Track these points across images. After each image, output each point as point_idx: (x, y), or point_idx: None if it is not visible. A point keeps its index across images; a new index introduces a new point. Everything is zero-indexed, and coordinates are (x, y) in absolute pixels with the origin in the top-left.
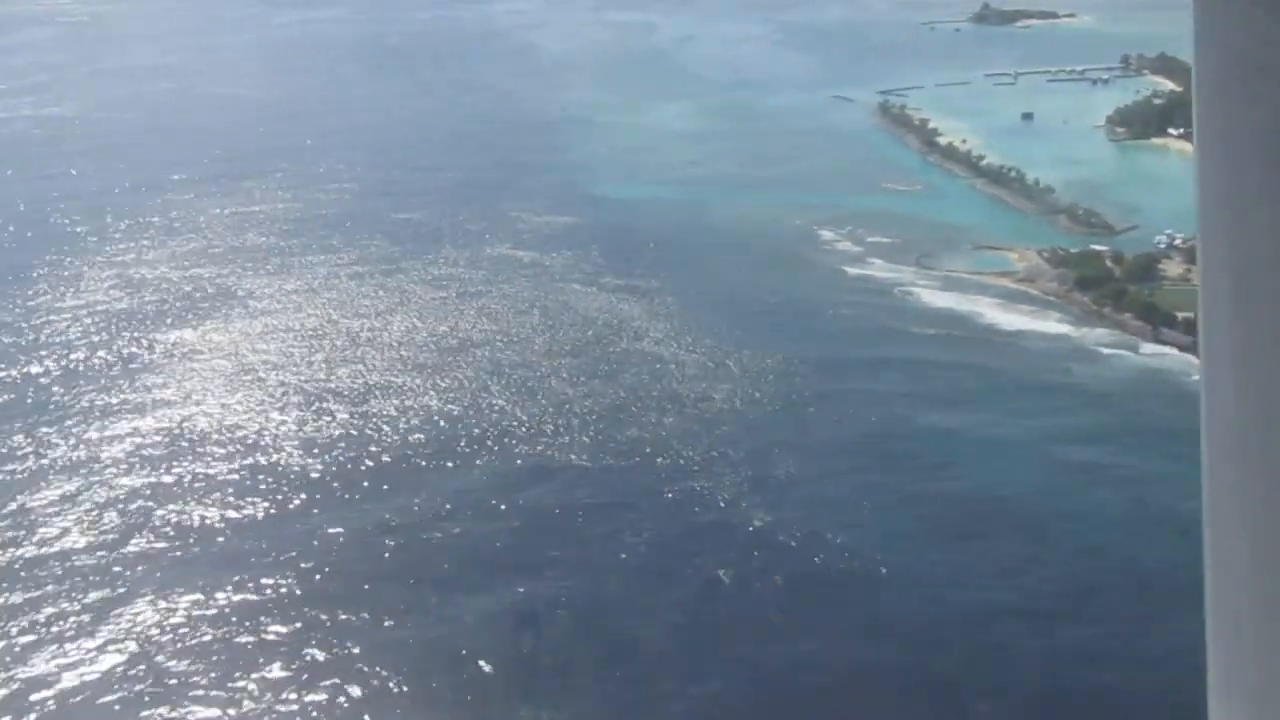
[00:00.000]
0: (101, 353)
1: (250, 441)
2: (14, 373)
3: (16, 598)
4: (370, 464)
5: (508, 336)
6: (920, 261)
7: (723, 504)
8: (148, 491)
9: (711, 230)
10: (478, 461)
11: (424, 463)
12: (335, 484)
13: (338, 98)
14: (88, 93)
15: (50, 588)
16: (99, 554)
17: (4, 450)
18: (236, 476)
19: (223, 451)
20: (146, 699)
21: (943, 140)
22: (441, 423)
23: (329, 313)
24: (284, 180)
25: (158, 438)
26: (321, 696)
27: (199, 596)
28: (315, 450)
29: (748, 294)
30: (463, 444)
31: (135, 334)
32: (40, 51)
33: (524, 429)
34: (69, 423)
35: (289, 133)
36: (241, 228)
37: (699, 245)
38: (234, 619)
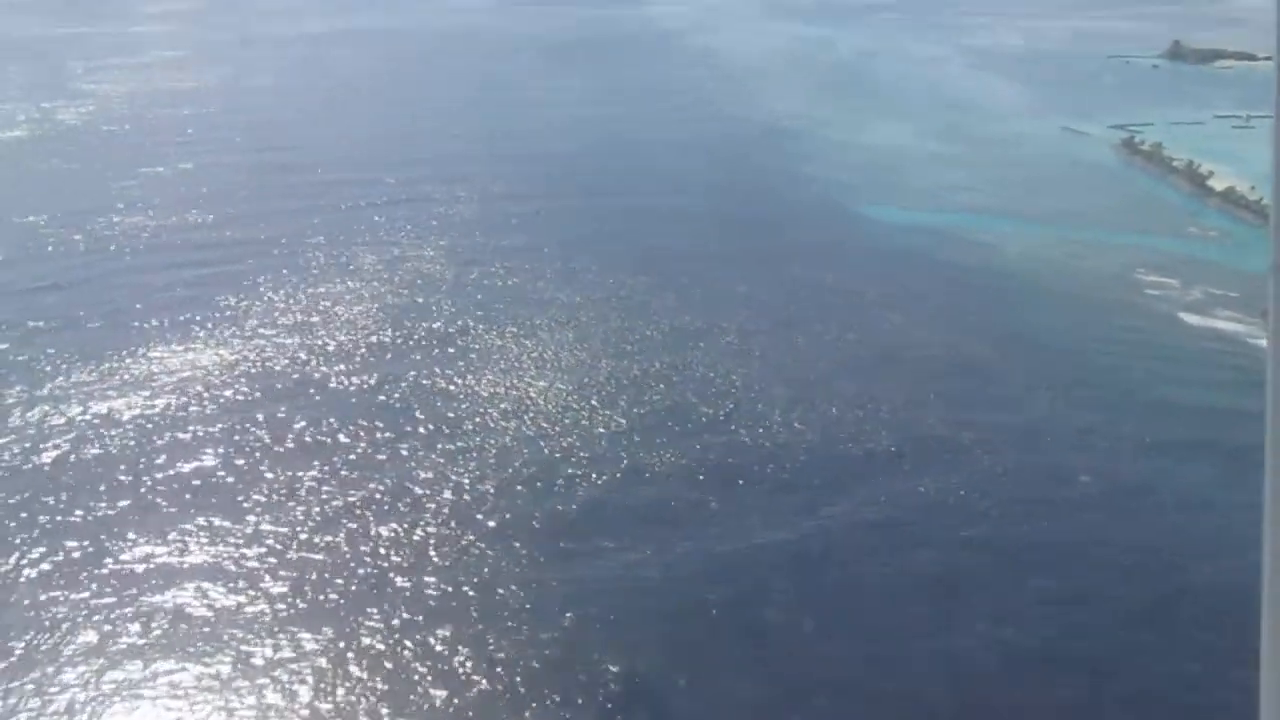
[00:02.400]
0: None
1: None
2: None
3: None
4: None
5: (865, 376)
6: (1266, 314)
7: None
8: None
9: (1014, 266)
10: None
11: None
12: None
13: (524, 98)
14: (235, 68)
15: None
16: None
17: None
18: None
19: None
20: None
21: (1216, 184)
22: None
23: (654, 360)
24: (505, 191)
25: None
26: None
27: None
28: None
29: (1092, 347)
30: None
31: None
32: (178, 23)
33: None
34: None
35: (480, 137)
36: (478, 248)
37: (1013, 284)
38: None
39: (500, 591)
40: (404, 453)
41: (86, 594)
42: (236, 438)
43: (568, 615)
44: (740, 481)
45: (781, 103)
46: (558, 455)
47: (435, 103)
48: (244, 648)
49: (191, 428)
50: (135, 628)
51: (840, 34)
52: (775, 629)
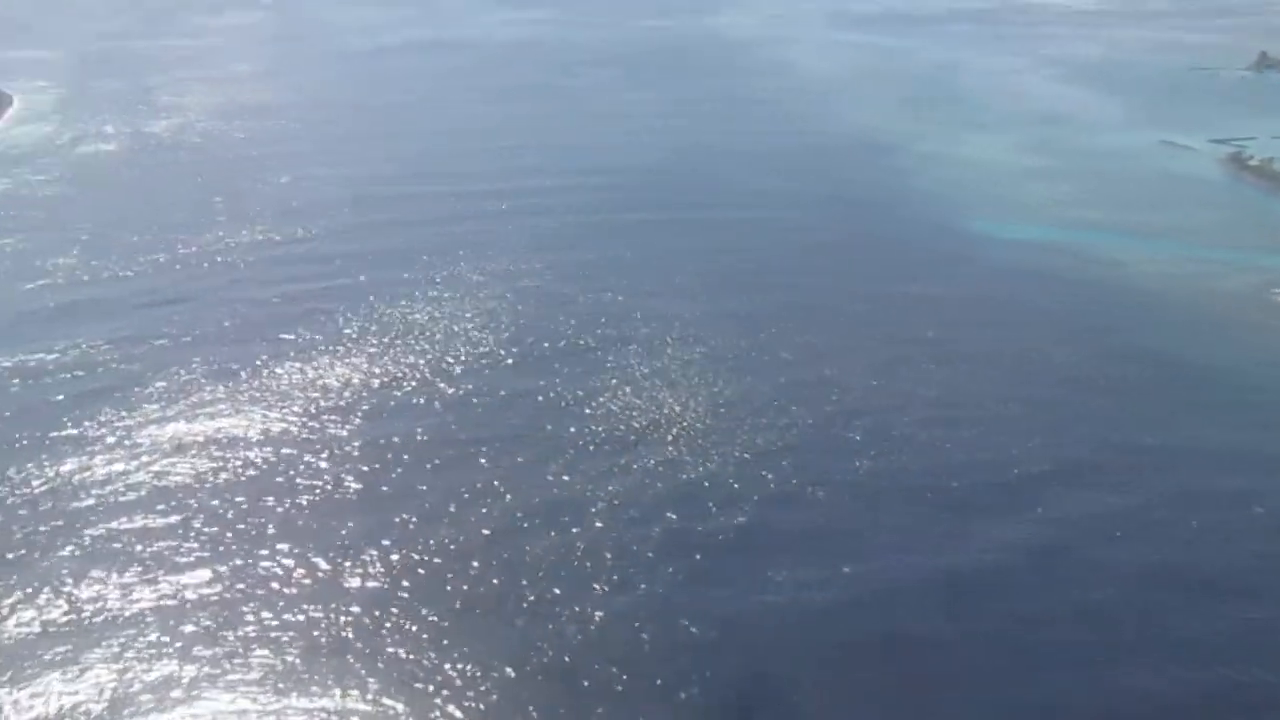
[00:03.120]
0: None
1: None
2: None
3: None
4: None
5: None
6: None
7: None
8: None
9: (1143, 284)
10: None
11: None
12: None
13: (604, 111)
14: (310, 81)
15: None
16: None
17: None
18: None
19: None
20: None
21: None
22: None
23: (784, 378)
24: (601, 203)
25: None
26: None
27: None
28: None
29: (1234, 367)
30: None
31: None
32: (247, 37)
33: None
34: None
35: (564, 150)
36: (584, 262)
37: (1145, 302)
38: None
39: (668, 620)
40: (542, 471)
41: (259, 614)
42: (374, 452)
43: (739, 646)
44: (892, 502)
45: (867, 116)
46: (703, 476)
47: (516, 117)
48: (419, 654)
49: (328, 443)
50: (299, 645)
51: (912, 45)
52: (943, 663)
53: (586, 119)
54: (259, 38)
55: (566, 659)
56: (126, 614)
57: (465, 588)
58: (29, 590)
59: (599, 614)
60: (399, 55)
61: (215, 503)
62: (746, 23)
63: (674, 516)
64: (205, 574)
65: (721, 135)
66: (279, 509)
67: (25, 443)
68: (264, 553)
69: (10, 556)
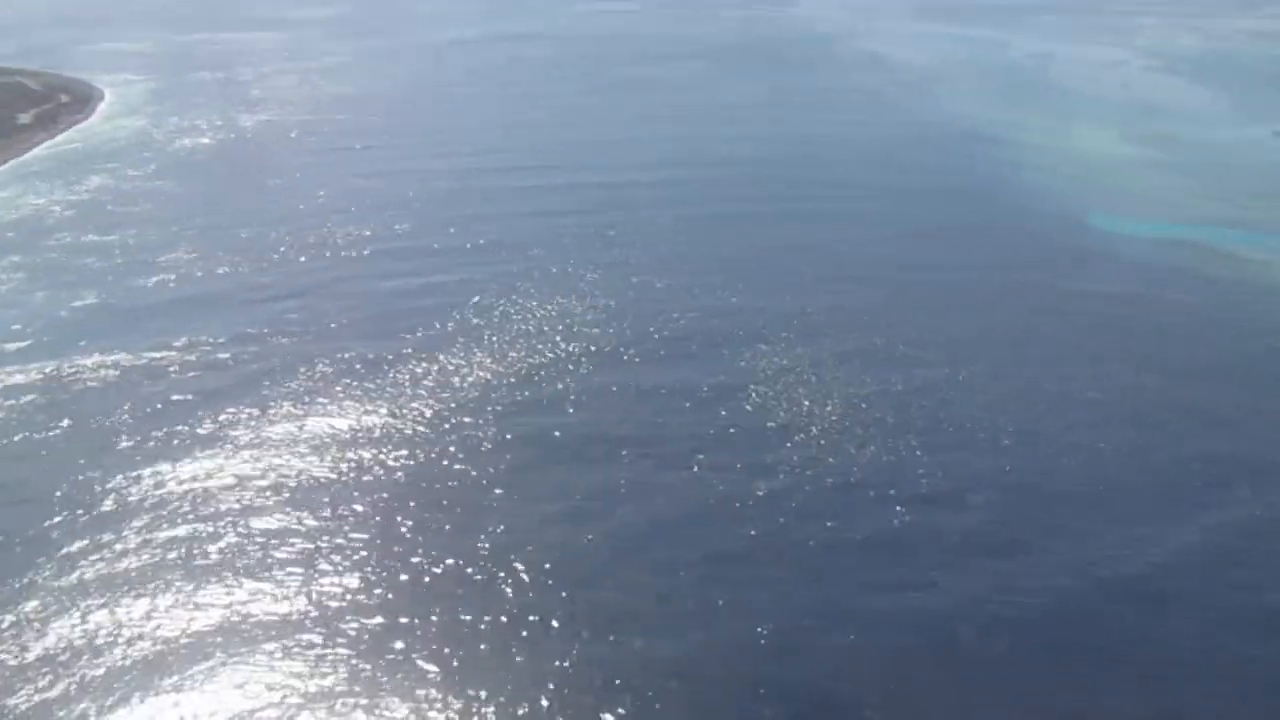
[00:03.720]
0: None
1: None
2: None
3: None
4: None
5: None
6: None
7: None
8: None
9: None
10: None
11: None
12: None
13: (699, 104)
14: (398, 73)
15: None
16: None
17: None
18: None
19: None
20: None
21: None
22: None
23: (917, 375)
24: (711, 196)
25: None
26: None
27: None
28: None
29: None
30: None
31: None
32: (327, 30)
33: None
34: None
35: (663, 142)
36: (700, 256)
37: None
38: None
39: (845, 625)
40: (686, 469)
41: (416, 618)
42: (512, 450)
43: (927, 650)
44: (1051, 506)
45: (969, 108)
46: (851, 476)
47: (612, 109)
48: (581, 659)
49: (464, 441)
50: (463, 649)
51: (1004, 36)
52: (1121, 678)
53: (686, 112)
54: (341, 29)
55: (739, 667)
56: (280, 617)
57: (619, 594)
58: (181, 594)
59: (769, 620)
60: (487, 47)
61: (357, 504)
62: (830, 15)
63: (828, 520)
64: (355, 578)
65: (822, 127)
66: (421, 510)
67: (155, 444)
68: (414, 556)
69: (154, 560)
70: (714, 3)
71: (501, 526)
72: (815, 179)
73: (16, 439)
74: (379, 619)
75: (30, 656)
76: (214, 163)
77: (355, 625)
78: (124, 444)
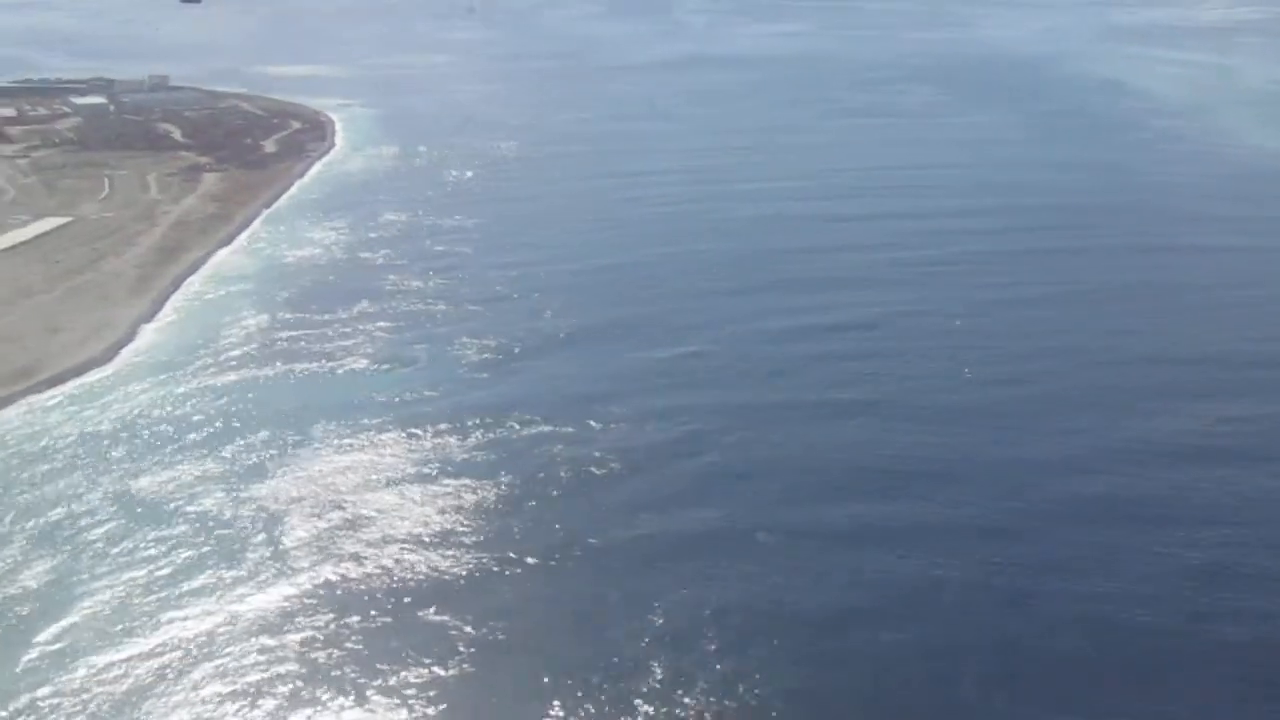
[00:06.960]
0: None
1: None
2: None
3: None
4: None
5: None
6: None
7: None
8: None
9: None
10: None
11: None
12: None
13: (946, 136)
14: (607, 95)
15: None
16: None
17: None
18: None
19: None
20: None
21: None
22: None
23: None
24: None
25: None
26: None
27: None
28: None
29: None
30: None
31: None
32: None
33: None
34: None
35: (946, 177)
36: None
37: None
38: None
39: None
40: None
41: None
42: None
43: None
44: None
45: (1261, 138)
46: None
47: (873, 138)
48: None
49: None
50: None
51: (1215, 59)
52: None
53: (946, 145)
54: (502, 51)
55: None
56: None
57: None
58: None
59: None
60: (675, 71)
61: None
62: (1017, 36)
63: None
64: None
65: (1114, 153)
66: None
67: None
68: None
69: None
70: (883, 23)
71: None
72: (1155, 209)
73: None
74: None
75: None
76: (507, 193)
77: None
78: None
